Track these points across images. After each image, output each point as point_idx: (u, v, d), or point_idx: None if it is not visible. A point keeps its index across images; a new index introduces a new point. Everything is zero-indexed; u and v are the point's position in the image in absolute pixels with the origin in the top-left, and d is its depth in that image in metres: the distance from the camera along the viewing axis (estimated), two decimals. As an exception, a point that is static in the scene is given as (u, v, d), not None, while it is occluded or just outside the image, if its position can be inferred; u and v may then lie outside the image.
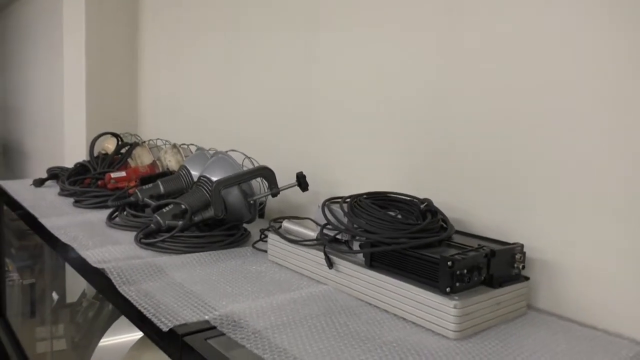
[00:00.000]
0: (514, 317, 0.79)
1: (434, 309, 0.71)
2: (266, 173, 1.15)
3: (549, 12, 0.82)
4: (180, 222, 1.08)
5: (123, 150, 1.78)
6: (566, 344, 0.71)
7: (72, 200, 1.54)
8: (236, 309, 0.76)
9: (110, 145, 1.83)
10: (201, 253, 1.05)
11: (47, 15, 3.46)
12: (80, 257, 1.01)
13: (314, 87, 1.30)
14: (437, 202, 0.96)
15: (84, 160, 1.75)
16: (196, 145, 1.59)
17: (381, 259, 0.81)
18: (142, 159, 1.72)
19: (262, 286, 0.88)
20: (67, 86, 2.42)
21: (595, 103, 0.77)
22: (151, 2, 2.20)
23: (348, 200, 0.90)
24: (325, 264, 0.88)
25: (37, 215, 1.35)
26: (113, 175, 1.55)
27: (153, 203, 1.20)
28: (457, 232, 0.90)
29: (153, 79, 2.20)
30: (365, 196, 0.92)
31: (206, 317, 0.73)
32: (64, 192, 1.63)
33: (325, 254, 0.88)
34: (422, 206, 0.90)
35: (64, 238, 1.13)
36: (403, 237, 0.79)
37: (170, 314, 0.74)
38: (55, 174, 1.85)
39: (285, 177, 1.22)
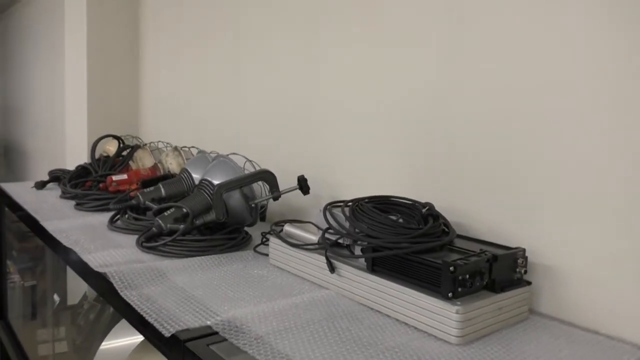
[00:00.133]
0: (516, 322, 0.79)
1: (436, 314, 0.71)
2: (267, 177, 1.15)
3: (549, 12, 0.82)
4: (182, 226, 1.08)
5: (124, 153, 1.78)
6: (568, 349, 0.71)
7: (73, 203, 1.54)
8: (238, 314, 0.76)
9: (111, 147, 1.83)
10: (202, 257, 1.05)
11: (49, 16, 3.47)
12: (82, 261, 1.01)
13: (314, 89, 1.30)
14: (438, 203, 0.96)
15: (85, 163, 1.75)
16: (197, 148, 1.59)
17: (383, 264, 0.81)
18: (143, 161, 1.72)
19: (264, 290, 0.88)
20: (68, 87, 2.42)
21: (595, 103, 0.77)
22: (152, 3, 2.20)
23: (350, 204, 0.90)
24: (327, 269, 0.88)
25: (38, 218, 1.35)
26: (114, 178, 1.54)
27: (154, 206, 1.20)
28: (459, 236, 0.90)
29: (154, 80, 2.21)
30: (366, 200, 0.92)
31: (208, 323, 0.73)
32: (65, 195, 1.63)
33: (327, 259, 0.88)
34: (423, 210, 0.90)
35: (65, 241, 1.14)
36: (405, 241, 0.79)
37: (172, 319, 0.74)
38: (56, 176, 1.86)
39: (286, 180, 1.22)
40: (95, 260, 1.00)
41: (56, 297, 1.82)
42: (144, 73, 2.28)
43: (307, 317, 0.77)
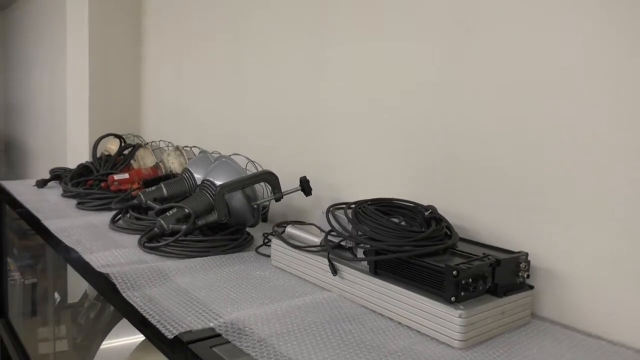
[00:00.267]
0: (519, 326, 0.79)
1: (439, 318, 0.71)
2: (270, 178, 1.15)
3: (549, 12, 0.82)
4: (184, 226, 1.08)
5: (126, 152, 1.78)
6: (570, 354, 0.71)
7: (75, 201, 1.54)
8: (241, 316, 0.76)
9: (113, 146, 1.83)
10: (204, 257, 1.05)
11: (50, 15, 3.46)
12: (84, 261, 1.01)
13: (316, 90, 1.30)
14: (439, 205, 0.96)
15: (86, 162, 1.75)
16: (199, 148, 1.59)
17: (385, 267, 0.81)
18: (145, 160, 1.72)
19: (266, 292, 0.88)
20: (70, 86, 2.42)
21: (595, 106, 0.77)
22: (155, 3, 2.20)
23: (352, 206, 0.90)
24: (329, 271, 0.88)
25: (40, 217, 1.35)
26: (116, 177, 1.54)
27: (156, 206, 1.20)
28: (461, 239, 0.90)
29: (156, 80, 2.21)
30: (369, 202, 0.92)
31: (211, 325, 0.73)
32: (66, 194, 1.63)
33: (330, 261, 0.88)
34: (426, 213, 0.90)
35: (67, 241, 1.14)
36: (407, 244, 0.79)
37: (175, 320, 0.74)
38: (58, 174, 1.85)
39: (288, 180, 1.22)
40: (98, 260, 1.00)
41: (57, 295, 1.82)
42: (146, 72, 2.28)
43: (310, 319, 0.77)
